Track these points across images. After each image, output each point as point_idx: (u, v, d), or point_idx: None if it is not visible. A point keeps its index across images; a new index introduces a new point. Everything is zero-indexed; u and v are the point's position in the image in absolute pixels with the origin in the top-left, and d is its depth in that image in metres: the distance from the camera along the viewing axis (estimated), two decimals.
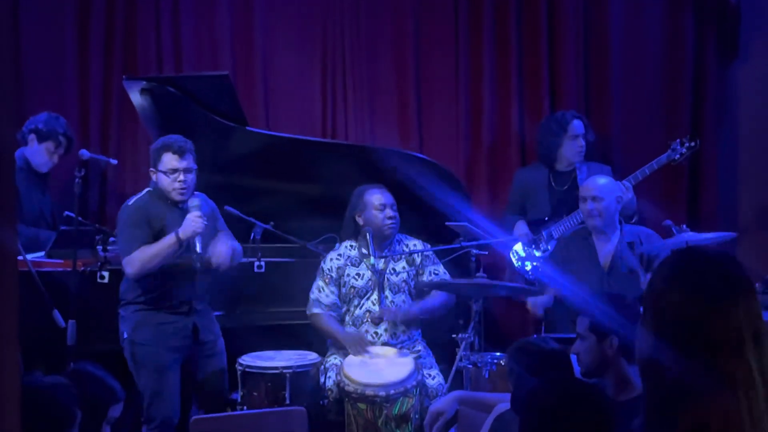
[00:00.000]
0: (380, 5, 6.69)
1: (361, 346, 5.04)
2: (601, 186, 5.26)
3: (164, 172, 4.80)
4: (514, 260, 5.94)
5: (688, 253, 2.24)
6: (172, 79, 5.81)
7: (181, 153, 4.78)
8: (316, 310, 5.23)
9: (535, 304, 5.32)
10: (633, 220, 5.65)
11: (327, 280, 5.27)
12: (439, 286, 5.21)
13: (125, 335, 4.86)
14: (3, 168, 1.69)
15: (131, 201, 4.90)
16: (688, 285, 2.05)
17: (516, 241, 5.89)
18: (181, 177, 4.78)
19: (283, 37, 6.66)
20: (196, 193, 4.94)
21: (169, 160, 4.79)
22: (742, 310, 2.01)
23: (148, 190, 4.91)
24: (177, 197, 4.83)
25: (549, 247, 5.82)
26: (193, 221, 4.70)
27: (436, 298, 5.28)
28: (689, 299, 2.03)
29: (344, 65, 6.66)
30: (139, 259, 4.71)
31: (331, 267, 5.28)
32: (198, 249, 4.70)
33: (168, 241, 4.70)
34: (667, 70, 6.68)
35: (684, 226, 4.87)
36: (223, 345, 5.04)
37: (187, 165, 4.80)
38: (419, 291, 5.31)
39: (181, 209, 4.85)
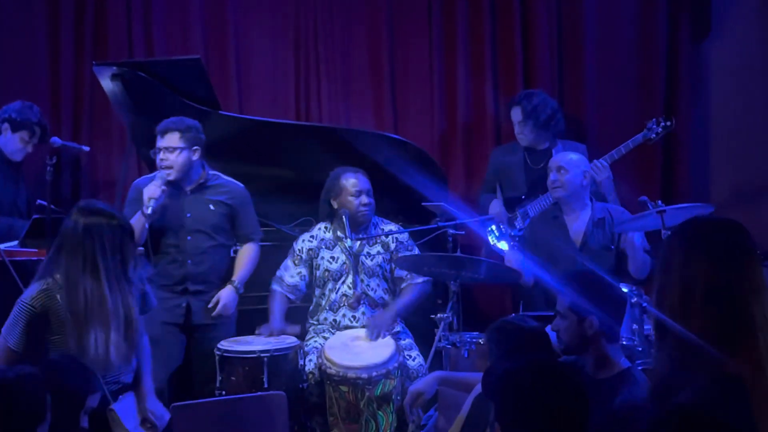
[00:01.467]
0: None
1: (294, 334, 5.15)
2: (568, 159, 5.31)
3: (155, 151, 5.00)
4: (490, 240, 5.94)
5: (702, 221, 2.30)
6: (143, 63, 5.77)
7: (162, 133, 4.94)
8: (274, 287, 5.27)
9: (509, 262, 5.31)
10: (609, 198, 5.66)
11: (296, 261, 5.27)
12: (418, 260, 5.18)
13: None
14: None
15: (137, 180, 5.17)
16: (714, 249, 2.19)
17: (492, 220, 5.89)
18: (161, 155, 4.93)
19: (255, 19, 6.62)
20: (230, 180, 5.16)
21: (157, 140, 4.98)
22: (757, 263, 2.22)
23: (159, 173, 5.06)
24: (164, 176, 4.94)
25: (525, 225, 5.83)
26: (148, 189, 4.84)
27: (411, 292, 5.25)
28: (716, 262, 2.17)
29: (317, 47, 6.63)
30: None
31: (302, 248, 5.27)
32: (147, 211, 4.79)
33: (135, 216, 4.82)
34: (640, 48, 6.68)
35: (659, 201, 4.88)
36: (231, 326, 5.14)
37: (167, 144, 4.93)
38: (394, 273, 5.30)
39: (186, 193, 5.02)
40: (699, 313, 2.15)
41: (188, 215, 5.02)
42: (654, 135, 5.73)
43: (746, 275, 2.18)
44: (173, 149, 4.94)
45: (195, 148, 4.99)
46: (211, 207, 5.05)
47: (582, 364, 3.45)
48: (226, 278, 5.12)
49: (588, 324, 3.44)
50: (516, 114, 5.97)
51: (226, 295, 5.00)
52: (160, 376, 4.77)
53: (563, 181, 5.25)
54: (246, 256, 5.18)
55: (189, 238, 4.99)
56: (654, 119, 5.74)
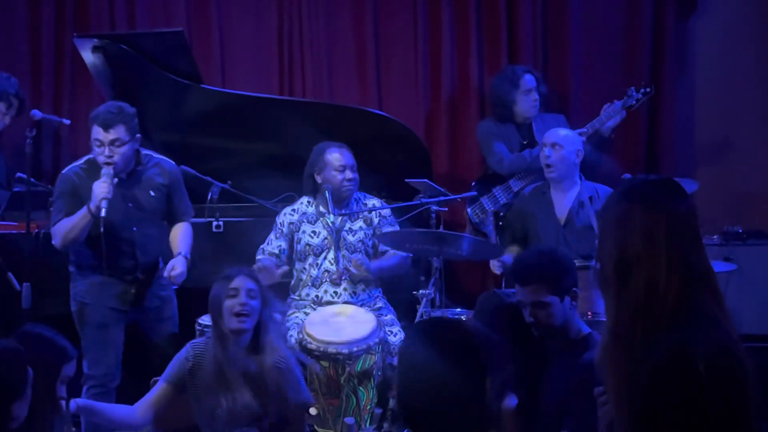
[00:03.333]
0: None
1: (268, 273, 4.94)
2: (563, 135, 5.29)
3: (93, 143, 4.67)
4: (472, 216, 5.95)
5: (637, 180, 2.38)
6: (125, 36, 5.75)
7: (105, 125, 4.58)
8: (258, 256, 5.22)
9: (493, 264, 5.30)
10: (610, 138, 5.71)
11: (277, 234, 5.26)
12: (400, 236, 5.15)
13: (71, 294, 4.82)
14: None
15: (66, 169, 4.81)
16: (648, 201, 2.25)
17: (475, 196, 5.88)
18: (106, 151, 4.60)
19: None
20: (162, 159, 4.86)
21: (95, 131, 4.62)
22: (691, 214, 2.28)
23: (88, 158, 4.78)
24: (110, 172, 4.64)
25: (506, 200, 5.83)
26: (98, 187, 4.53)
27: (392, 257, 5.24)
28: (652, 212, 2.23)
29: (301, 21, 6.58)
30: (59, 231, 4.67)
31: (284, 221, 5.26)
32: (101, 213, 4.51)
33: (81, 213, 4.59)
34: (625, 24, 6.65)
35: None
36: (174, 310, 4.97)
37: (113, 137, 4.59)
38: (377, 249, 5.28)
39: (123, 181, 4.72)
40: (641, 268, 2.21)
41: (130, 205, 4.76)
42: (634, 101, 5.72)
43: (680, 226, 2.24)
44: (121, 142, 4.60)
45: (138, 136, 4.73)
46: (152, 193, 4.80)
47: None
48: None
49: (573, 295, 3.46)
50: (529, 81, 5.95)
51: (181, 263, 4.73)
52: (111, 360, 4.76)
53: (558, 158, 5.22)
54: (182, 230, 4.92)
55: (135, 228, 4.78)
56: (633, 86, 5.74)
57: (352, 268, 5.08)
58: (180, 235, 4.88)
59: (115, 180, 4.60)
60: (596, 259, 2.35)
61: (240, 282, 4.07)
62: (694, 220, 2.29)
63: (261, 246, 5.27)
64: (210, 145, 5.81)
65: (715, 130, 6.69)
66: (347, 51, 6.64)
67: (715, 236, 6.07)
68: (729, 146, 6.66)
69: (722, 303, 2.25)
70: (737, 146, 6.65)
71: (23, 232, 5.00)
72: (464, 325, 2.93)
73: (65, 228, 4.63)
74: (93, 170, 4.67)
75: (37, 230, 5.15)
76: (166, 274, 4.72)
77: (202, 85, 5.66)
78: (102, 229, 4.55)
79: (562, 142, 5.25)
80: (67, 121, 5.96)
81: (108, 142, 4.59)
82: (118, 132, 4.59)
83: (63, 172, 4.80)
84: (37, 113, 5.51)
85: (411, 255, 5.26)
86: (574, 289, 3.48)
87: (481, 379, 2.47)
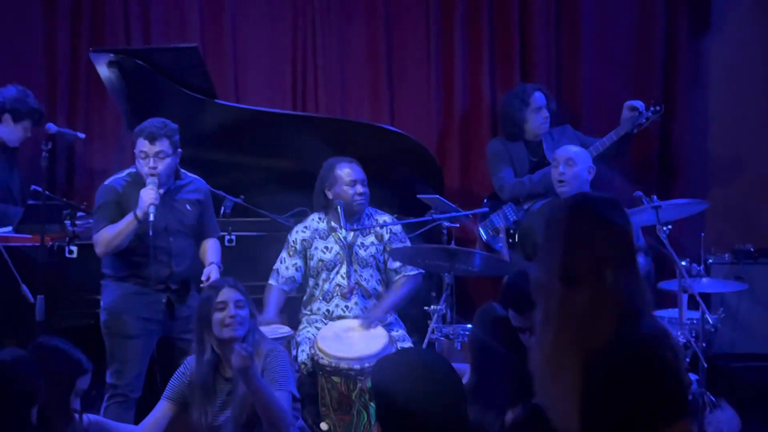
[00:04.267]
0: None
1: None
2: (575, 152, 5.29)
3: (137, 156, 4.83)
4: (483, 233, 5.95)
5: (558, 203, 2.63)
6: (140, 51, 5.77)
7: (151, 138, 4.77)
8: (270, 281, 5.26)
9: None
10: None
11: (291, 252, 5.27)
12: (412, 252, 5.17)
13: (102, 304, 4.89)
14: None
15: (109, 181, 4.95)
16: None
17: (486, 212, 5.89)
18: (151, 163, 4.78)
19: (252, 7, 6.59)
20: (195, 177, 5.05)
21: (141, 144, 4.80)
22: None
23: (130, 171, 4.94)
24: (155, 180, 4.81)
25: (517, 218, 5.84)
26: (146, 194, 4.71)
27: (403, 287, 5.25)
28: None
29: (314, 37, 6.61)
30: (103, 238, 4.77)
31: (296, 239, 5.27)
32: (150, 218, 4.68)
33: (127, 220, 4.73)
34: (639, 40, 6.67)
35: (654, 197, 4.88)
36: None
37: (158, 149, 4.78)
38: (387, 265, 5.29)
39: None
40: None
41: (169, 216, 4.90)
42: (644, 120, 5.73)
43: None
44: (165, 155, 4.81)
45: (179, 151, 4.90)
46: (188, 207, 4.97)
47: None
48: (200, 274, 4.97)
49: None
50: (539, 99, 5.95)
51: (215, 270, 4.87)
52: (135, 372, 4.80)
53: (571, 175, 5.23)
54: (212, 243, 5.08)
55: (171, 239, 4.90)
56: (643, 104, 5.75)
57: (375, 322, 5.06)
58: (210, 248, 5.04)
59: (161, 192, 4.76)
60: (538, 269, 2.45)
61: (227, 294, 4.17)
62: (632, 238, 2.42)
63: (274, 266, 5.27)
64: (223, 160, 5.83)
65: (728, 148, 6.69)
66: (360, 67, 6.66)
67: (726, 254, 6.07)
68: (741, 164, 6.66)
69: (648, 301, 2.43)
70: (749, 164, 6.65)
71: (37, 244, 5.03)
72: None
73: (110, 235, 4.75)
74: (136, 183, 4.85)
75: (51, 243, 5.18)
76: (203, 278, 4.81)
77: (216, 100, 5.69)
78: (151, 232, 4.70)
79: (575, 158, 5.25)
80: (81, 135, 6.03)
81: (153, 153, 4.77)
82: (162, 145, 4.78)
83: (106, 183, 4.95)
84: (52, 127, 5.56)
85: (422, 272, 5.26)
86: None
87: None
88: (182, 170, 5.03)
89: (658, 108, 5.74)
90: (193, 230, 5.01)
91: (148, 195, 4.70)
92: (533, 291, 2.48)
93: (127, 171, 4.96)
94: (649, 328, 2.35)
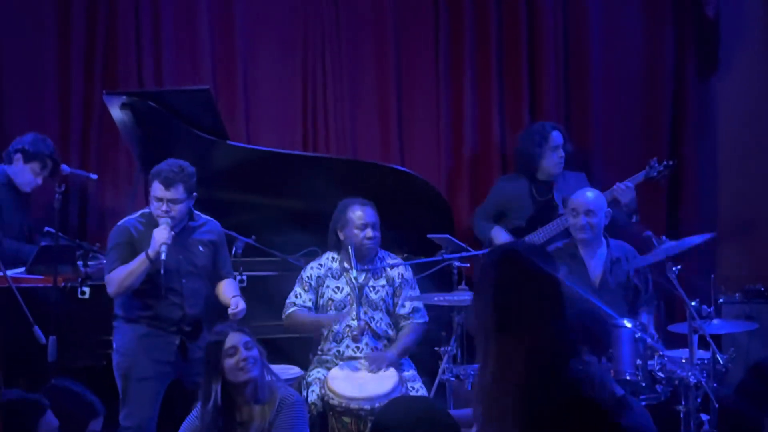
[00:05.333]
0: (360, 17, 6.70)
1: (339, 320, 5.09)
2: (593, 200, 5.28)
3: (152, 198, 4.84)
4: None
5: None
6: (153, 93, 5.82)
7: (167, 184, 4.76)
8: (289, 310, 5.23)
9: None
10: (633, 220, 5.68)
11: (306, 287, 5.27)
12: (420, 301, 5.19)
13: (114, 345, 4.90)
14: None
15: (122, 221, 4.95)
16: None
17: None
18: (164, 207, 4.77)
19: (263, 49, 6.66)
20: (209, 218, 5.03)
21: (156, 188, 4.79)
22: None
23: (143, 212, 4.94)
24: (168, 221, 4.81)
25: None
26: (159, 233, 4.71)
27: (409, 334, 5.24)
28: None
29: (325, 77, 6.66)
30: (116, 278, 4.78)
31: (311, 275, 5.28)
32: (162, 257, 4.68)
33: (139, 260, 4.74)
34: (647, 83, 6.72)
35: (664, 237, 4.89)
36: None
37: (172, 196, 4.77)
38: (397, 316, 5.29)
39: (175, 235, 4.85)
40: None
41: (181, 257, 4.87)
42: (656, 174, 5.75)
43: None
44: (179, 200, 4.79)
45: (194, 194, 4.90)
46: (201, 248, 4.95)
47: None
48: (213, 316, 4.98)
49: (609, 356, 3.45)
50: (557, 138, 6.00)
51: (242, 302, 4.84)
52: (147, 414, 4.80)
53: (593, 224, 5.22)
54: (229, 281, 5.05)
55: (184, 281, 4.88)
56: (656, 158, 5.76)
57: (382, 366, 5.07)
58: (228, 286, 5.01)
59: (173, 232, 4.76)
60: (474, 314, 2.61)
61: (234, 339, 4.21)
62: (560, 287, 2.58)
63: (288, 300, 5.27)
64: (235, 200, 5.86)
65: (737, 188, 6.69)
66: (370, 106, 6.71)
67: (736, 294, 6.06)
68: (750, 204, 6.67)
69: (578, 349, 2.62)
70: (759, 205, 6.65)
71: (50, 285, 5.04)
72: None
73: (122, 275, 4.75)
74: (149, 224, 4.84)
75: (63, 284, 5.20)
76: (230, 311, 4.79)
77: (228, 142, 5.73)
78: (162, 271, 4.69)
79: (594, 208, 5.23)
80: (94, 176, 6.07)
81: (167, 199, 4.77)
82: (177, 191, 4.77)
83: (119, 224, 4.94)
84: (65, 168, 5.60)
85: (426, 321, 5.28)
86: (611, 350, 3.47)
87: None
88: (196, 212, 5.03)
89: (670, 163, 5.76)
90: (207, 271, 4.99)
91: (161, 234, 4.70)
92: (472, 332, 2.63)
93: (140, 212, 4.97)
94: (576, 373, 2.50)
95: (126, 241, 4.85)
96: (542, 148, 6.00)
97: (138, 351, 4.82)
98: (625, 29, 6.75)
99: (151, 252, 4.70)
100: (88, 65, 6.50)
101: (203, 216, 5.06)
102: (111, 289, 4.81)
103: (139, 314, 4.85)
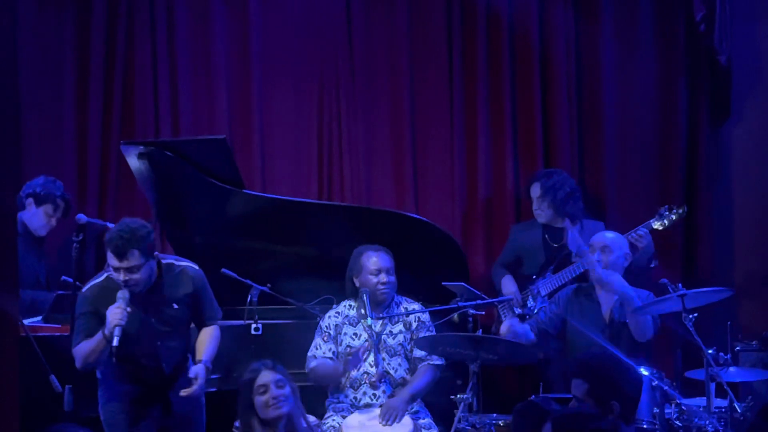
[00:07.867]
0: (375, 64, 6.75)
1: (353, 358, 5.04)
2: (611, 239, 5.29)
3: (108, 267, 4.59)
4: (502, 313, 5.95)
5: None
6: (170, 143, 5.85)
7: (118, 254, 4.45)
8: (312, 364, 5.21)
9: (509, 329, 5.29)
10: (652, 265, 5.68)
11: (325, 338, 5.26)
12: (435, 340, 5.17)
13: (99, 401, 4.81)
14: (6, 237, 1.70)
15: (86, 287, 4.72)
16: None
17: (510, 299, 5.89)
18: (122, 277, 4.49)
19: (279, 97, 6.71)
20: (187, 265, 4.78)
21: (109, 257, 4.53)
22: None
23: (108, 273, 4.65)
24: (126, 296, 4.55)
25: (537, 304, 5.81)
26: (112, 314, 4.43)
27: (422, 377, 5.21)
28: None
29: (340, 125, 6.71)
30: (79, 354, 4.60)
31: (329, 324, 5.28)
32: (114, 342, 4.39)
33: (97, 338, 4.50)
34: (660, 130, 6.74)
35: (680, 285, 4.88)
36: (202, 415, 4.88)
37: (128, 264, 4.46)
38: (414, 359, 5.28)
39: (142, 295, 4.62)
40: None
41: (152, 320, 4.65)
42: (666, 221, 5.74)
43: None
44: (137, 268, 4.47)
45: (155, 254, 4.60)
46: (175, 306, 4.68)
47: None
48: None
49: (609, 409, 3.44)
50: (535, 190, 6.04)
51: (202, 372, 4.60)
52: None
53: (607, 263, 5.21)
54: (209, 335, 4.77)
55: (159, 343, 4.68)
56: (666, 206, 5.77)
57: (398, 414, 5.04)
58: (206, 341, 4.76)
59: (129, 309, 4.45)
60: None
61: (266, 377, 4.25)
62: None
63: (310, 354, 5.24)
64: (251, 248, 5.88)
65: (754, 236, 6.68)
66: (385, 155, 6.75)
67: (753, 342, 6.03)
68: (767, 250, 6.65)
69: None
70: None
71: (66, 334, 5.04)
72: None
73: (85, 351, 4.56)
74: (110, 288, 4.58)
75: None
76: (191, 375, 4.62)
77: (244, 191, 5.75)
78: (114, 359, 4.48)
79: (611, 245, 5.24)
80: (111, 225, 6.07)
81: (123, 268, 4.48)
82: (132, 258, 4.46)
83: (82, 291, 4.72)
84: (82, 217, 5.62)
85: (442, 363, 5.25)
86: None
87: None
88: (170, 259, 4.79)
89: (681, 211, 5.76)
90: (184, 325, 4.79)
91: (114, 315, 4.42)
92: None
93: (106, 274, 4.67)
94: None
95: (88, 311, 4.61)
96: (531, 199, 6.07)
97: (121, 408, 4.73)
98: (638, 77, 6.79)
99: (107, 332, 4.43)
100: (106, 114, 6.56)
101: (179, 263, 4.79)
102: (77, 364, 4.61)
103: (117, 375, 4.74)
